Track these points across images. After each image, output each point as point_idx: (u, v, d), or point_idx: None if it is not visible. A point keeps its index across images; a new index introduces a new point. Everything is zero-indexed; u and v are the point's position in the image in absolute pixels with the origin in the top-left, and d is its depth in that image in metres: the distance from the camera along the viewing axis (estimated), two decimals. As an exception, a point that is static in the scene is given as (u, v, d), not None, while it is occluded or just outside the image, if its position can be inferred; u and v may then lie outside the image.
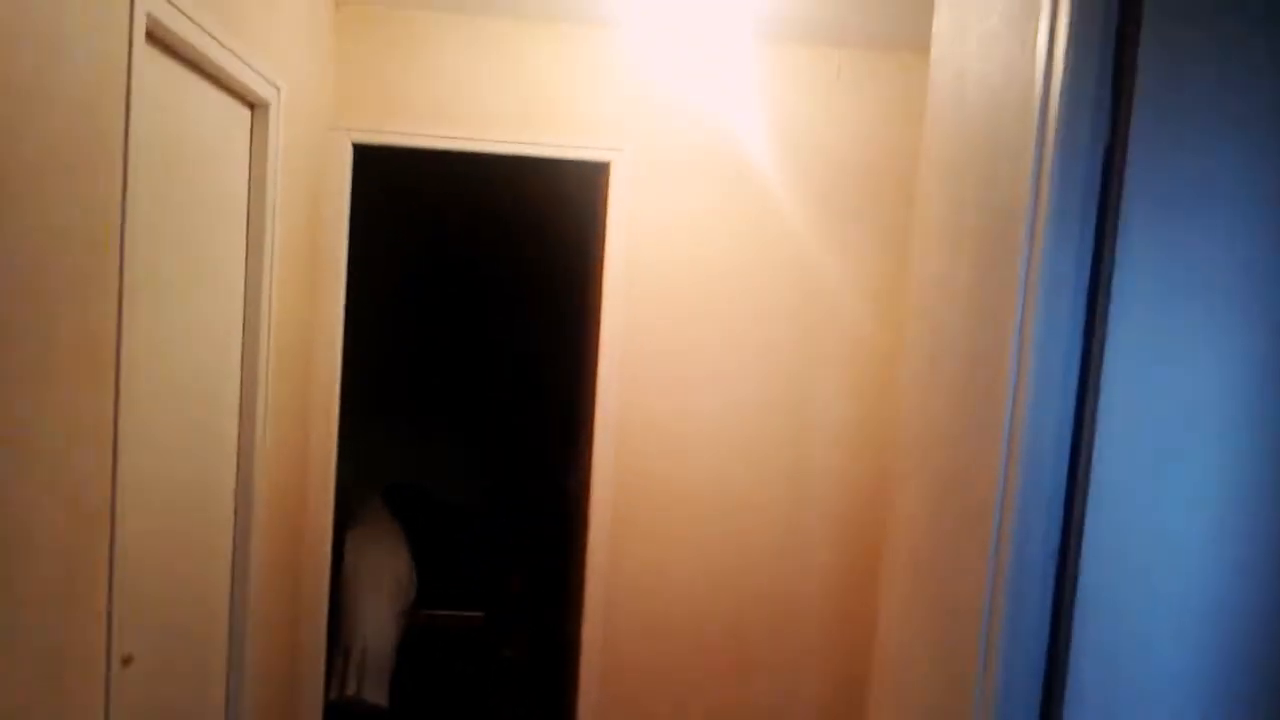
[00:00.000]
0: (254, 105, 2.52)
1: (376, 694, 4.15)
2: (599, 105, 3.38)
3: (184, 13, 1.92)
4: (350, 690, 4.10)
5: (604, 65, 3.37)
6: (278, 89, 2.56)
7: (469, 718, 4.40)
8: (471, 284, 5.87)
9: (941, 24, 1.84)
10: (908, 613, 1.72)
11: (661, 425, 3.48)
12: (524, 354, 5.88)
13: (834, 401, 3.52)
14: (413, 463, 5.72)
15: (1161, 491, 1.31)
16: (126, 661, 1.80)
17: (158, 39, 1.90)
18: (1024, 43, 1.46)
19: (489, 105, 3.35)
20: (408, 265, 5.74)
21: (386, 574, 4.40)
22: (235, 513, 2.56)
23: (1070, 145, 1.35)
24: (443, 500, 5.66)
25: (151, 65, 1.87)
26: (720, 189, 3.42)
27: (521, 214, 5.49)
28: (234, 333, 2.52)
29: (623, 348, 3.43)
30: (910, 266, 1.87)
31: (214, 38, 2.09)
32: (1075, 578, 1.35)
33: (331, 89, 3.27)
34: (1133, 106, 1.32)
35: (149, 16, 1.78)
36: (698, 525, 3.52)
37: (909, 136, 3.45)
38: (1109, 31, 1.34)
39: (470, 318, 5.88)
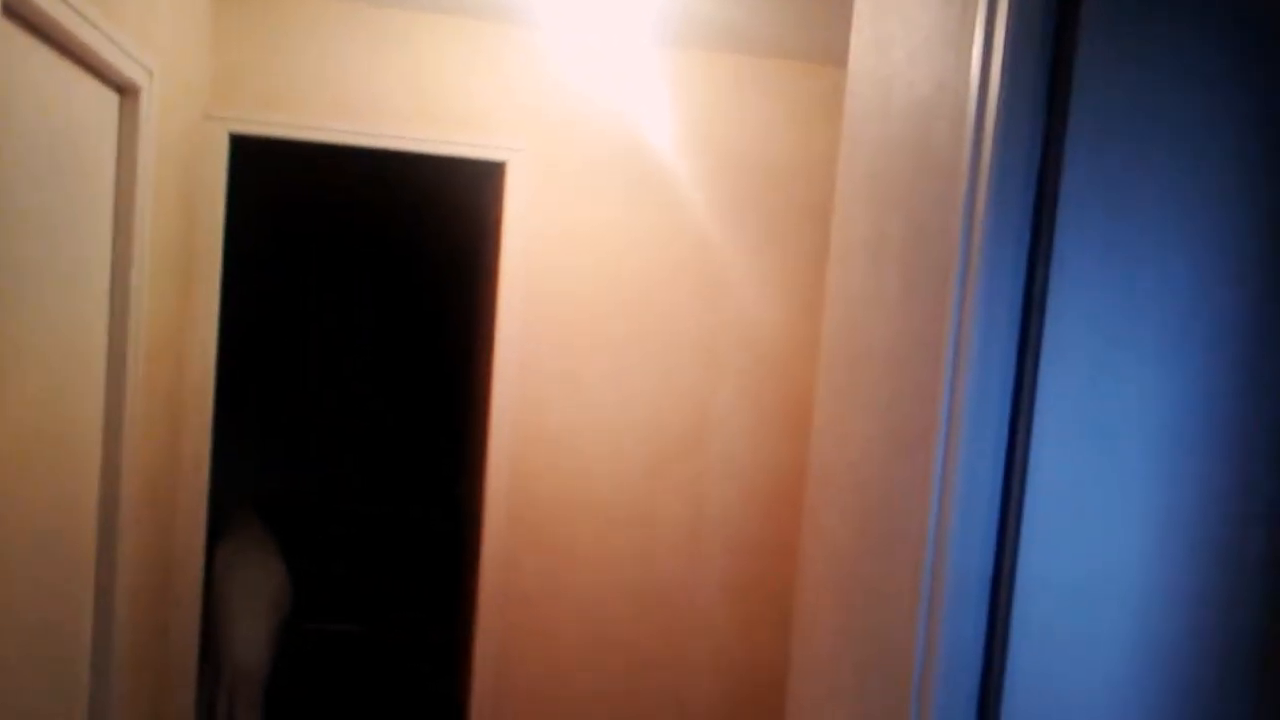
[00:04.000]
0: (123, 90, 2.32)
1: (250, 716, 3.92)
2: (496, 104, 3.26)
3: (47, -15, 1.74)
4: (223, 712, 3.87)
5: (502, 63, 3.25)
6: (150, 72, 2.37)
7: (349, 737, 4.22)
8: (352, 285, 5.64)
9: (862, 33, 1.81)
10: (830, 638, 1.68)
11: (559, 435, 3.38)
12: (412, 359, 5.68)
13: (735, 413, 3.49)
14: (291, 470, 5.45)
15: (1095, 535, 1.31)
16: (-24, 708, 1.61)
17: (16, 13, 1.71)
18: (959, 52, 1.44)
19: (380, 98, 3.19)
20: (281, 264, 5.47)
21: (258, 588, 4.17)
22: (99, 536, 2.35)
23: (1007, 157, 1.33)
24: (321, 508, 5.42)
25: (8, 43, 1.68)
26: (622, 193, 3.35)
27: (411, 213, 5.30)
28: (99, 338, 2.31)
29: (518, 354, 3.32)
30: (828, 280, 1.83)
31: (81, 14, 1.90)
32: (1009, 604, 1.34)
33: (207, 75, 3.06)
34: (1067, 119, 1.31)
35: (7, -12, 1.60)
36: (597, 536, 3.44)
37: (815, 144, 3.45)
38: (1046, 39, 1.32)
39: (351, 320, 5.65)
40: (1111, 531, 1.30)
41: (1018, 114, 1.30)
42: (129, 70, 2.22)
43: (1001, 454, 1.34)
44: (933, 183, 1.48)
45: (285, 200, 5.24)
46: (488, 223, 3.62)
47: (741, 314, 3.47)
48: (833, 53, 3.31)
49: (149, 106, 2.38)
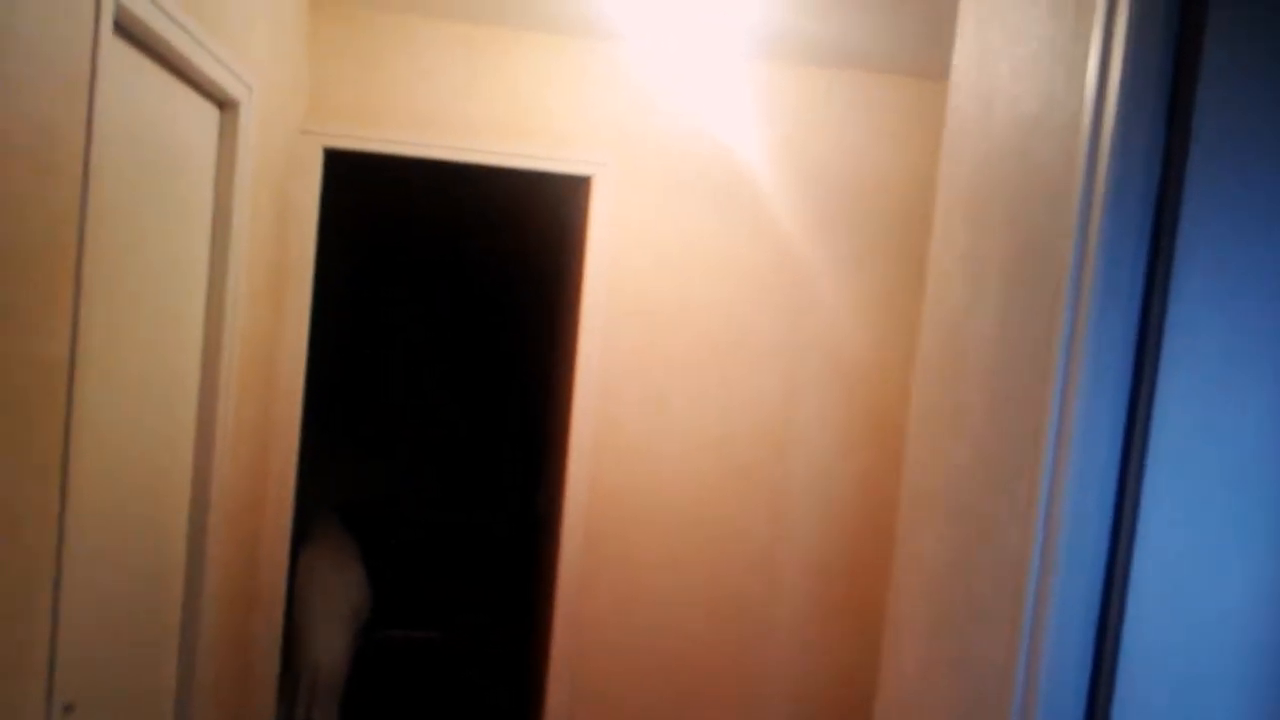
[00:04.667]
0: (224, 105, 2.37)
1: (328, 718, 3.97)
2: (583, 118, 3.27)
3: (155, 2, 1.78)
4: (301, 715, 3.92)
5: (590, 77, 3.26)
6: (249, 88, 2.42)
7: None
8: (437, 296, 5.71)
9: (965, 46, 1.76)
10: (923, 667, 1.63)
11: (639, 446, 3.36)
12: (493, 368, 5.73)
13: (818, 432, 3.43)
14: (371, 478, 5.53)
15: (1212, 567, 1.24)
16: (68, 710, 1.65)
17: (126, 30, 1.76)
18: (1070, 68, 1.38)
19: (468, 114, 3.22)
20: (369, 274, 5.56)
21: (339, 594, 4.23)
22: (189, 539, 2.40)
23: (1125, 176, 1.27)
24: (402, 516, 5.49)
25: (118, 59, 1.72)
26: (707, 209, 3.32)
27: (496, 226, 5.35)
28: (194, 345, 2.37)
29: (600, 366, 3.31)
30: (925, 299, 1.78)
31: (187, 31, 1.95)
32: (1117, 639, 1.27)
33: (304, 91, 3.13)
34: (1189, 136, 1.25)
35: (118, 5, 1.64)
36: (674, 549, 3.40)
37: (910, 160, 3.38)
38: (1168, 53, 1.26)
39: (435, 330, 5.72)
40: (1232, 560, 1.23)
41: (1137, 130, 1.24)
42: (229, 85, 2.28)
43: (1112, 480, 1.28)
44: (1040, 201, 1.42)
45: (372, 211, 5.33)
46: (572, 236, 3.62)
47: (827, 333, 3.41)
48: (929, 67, 3.24)
49: (248, 121, 2.44)
